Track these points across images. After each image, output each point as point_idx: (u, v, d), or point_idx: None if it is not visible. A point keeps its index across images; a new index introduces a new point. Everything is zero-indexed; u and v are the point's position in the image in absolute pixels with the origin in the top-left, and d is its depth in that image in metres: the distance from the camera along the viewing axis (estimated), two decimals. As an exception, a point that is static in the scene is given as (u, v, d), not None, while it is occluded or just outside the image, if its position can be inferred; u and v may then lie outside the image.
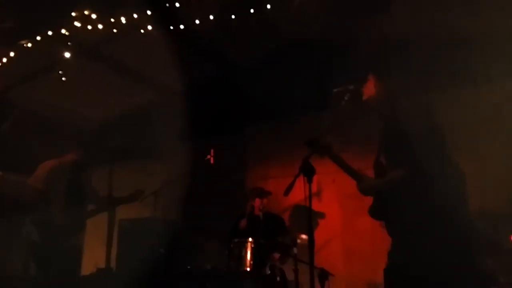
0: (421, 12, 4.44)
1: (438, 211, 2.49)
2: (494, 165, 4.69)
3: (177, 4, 4.37)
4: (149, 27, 4.71)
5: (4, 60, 5.12)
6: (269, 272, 4.51)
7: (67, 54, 5.05)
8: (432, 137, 2.65)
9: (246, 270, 4.41)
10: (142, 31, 4.75)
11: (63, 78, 5.46)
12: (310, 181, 3.02)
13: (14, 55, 5.06)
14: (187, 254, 5.27)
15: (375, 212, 2.90)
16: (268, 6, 4.35)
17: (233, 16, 4.48)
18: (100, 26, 4.65)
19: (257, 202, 5.21)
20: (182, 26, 4.68)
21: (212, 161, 4.88)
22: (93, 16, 4.58)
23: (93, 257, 6.06)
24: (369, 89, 2.97)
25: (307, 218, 3.01)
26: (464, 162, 2.70)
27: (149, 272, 4.91)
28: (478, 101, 4.95)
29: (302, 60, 5.12)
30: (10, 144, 5.60)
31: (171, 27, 4.71)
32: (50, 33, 4.80)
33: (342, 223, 5.61)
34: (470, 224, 2.59)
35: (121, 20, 4.61)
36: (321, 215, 5.53)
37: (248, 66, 5.38)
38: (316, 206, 3.12)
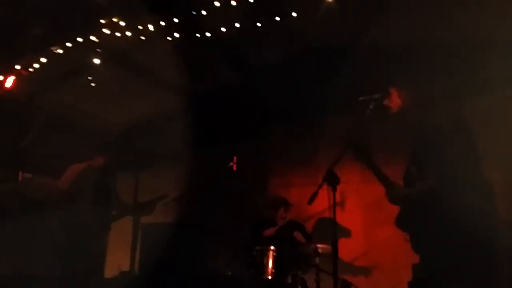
0: (445, 18, 4.37)
1: (465, 223, 2.44)
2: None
3: (204, 12, 4.42)
4: (176, 34, 4.78)
5: (36, 65, 5.27)
6: (291, 281, 4.48)
7: (96, 60, 5.16)
8: (459, 145, 2.60)
9: (268, 278, 4.39)
10: (169, 38, 4.82)
11: (92, 84, 5.59)
12: (334, 190, 3.01)
13: (46, 61, 5.20)
14: (208, 259, 5.29)
15: (402, 223, 2.85)
16: (294, 14, 4.35)
17: (258, 24, 4.51)
18: (128, 33, 4.74)
19: (280, 211, 5.24)
20: (208, 34, 4.72)
21: (234, 168, 4.89)
22: (122, 23, 4.68)
23: (117, 260, 6.13)
24: (394, 98, 2.94)
25: (332, 227, 3.00)
26: (489, 170, 2.64)
27: (170, 276, 4.94)
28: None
29: (324, 65, 5.07)
30: (40, 148, 5.75)
31: (197, 34, 4.77)
32: (80, 39, 4.92)
33: (365, 233, 5.53)
34: (497, 235, 2.54)
35: (148, 27, 4.70)
36: (344, 227, 5.46)
37: (269, 71, 5.39)
38: (338, 215, 3.08)
